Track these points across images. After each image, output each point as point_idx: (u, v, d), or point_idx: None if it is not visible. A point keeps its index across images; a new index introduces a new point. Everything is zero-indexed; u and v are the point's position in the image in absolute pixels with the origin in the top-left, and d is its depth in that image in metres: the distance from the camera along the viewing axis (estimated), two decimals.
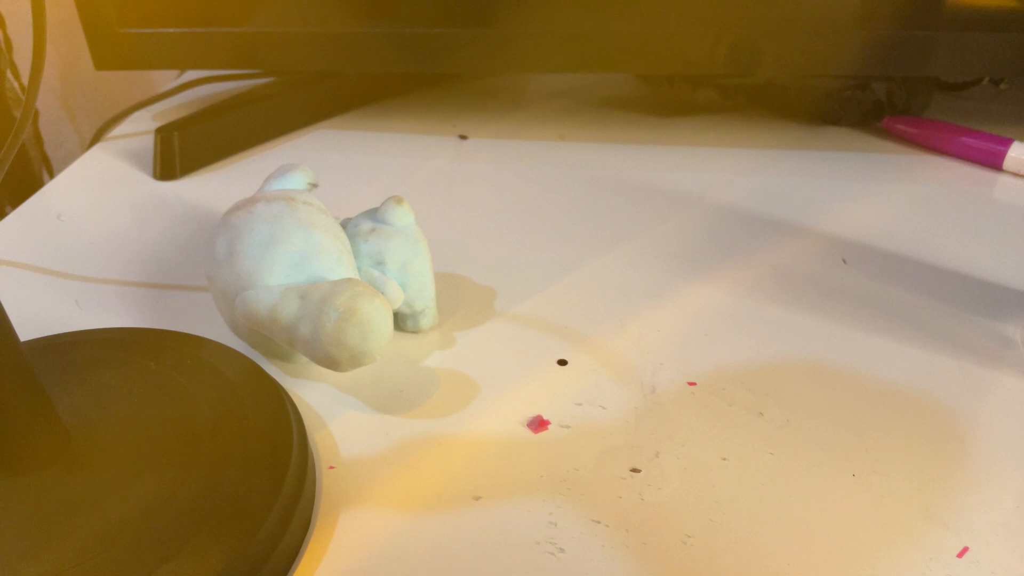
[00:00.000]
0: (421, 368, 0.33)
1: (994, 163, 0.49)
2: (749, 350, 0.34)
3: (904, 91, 0.53)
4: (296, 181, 0.35)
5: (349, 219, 0.35)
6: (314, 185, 0.36)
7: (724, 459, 0.28)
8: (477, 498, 0.27)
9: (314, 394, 0.31)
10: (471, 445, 0.29)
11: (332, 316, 0.28)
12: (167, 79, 0.76)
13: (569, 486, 0.27)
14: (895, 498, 0.27)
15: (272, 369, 0.33)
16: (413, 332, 0.34)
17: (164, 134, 0.49)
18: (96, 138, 0.55)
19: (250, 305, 0.30)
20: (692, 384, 0.32)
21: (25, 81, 0.68)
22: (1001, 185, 0.48)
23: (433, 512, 0.26)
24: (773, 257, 0.40)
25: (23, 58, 0.69)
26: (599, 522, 0.26)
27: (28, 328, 0.35)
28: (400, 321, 0.34)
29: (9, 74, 0.66)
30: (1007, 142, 0.49)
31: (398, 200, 0.34)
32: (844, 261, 0.40)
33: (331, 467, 0.28)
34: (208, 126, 0.51)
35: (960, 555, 0.25)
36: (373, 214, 0.34)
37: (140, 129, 0.56)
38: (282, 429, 0.27)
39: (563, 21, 0.48)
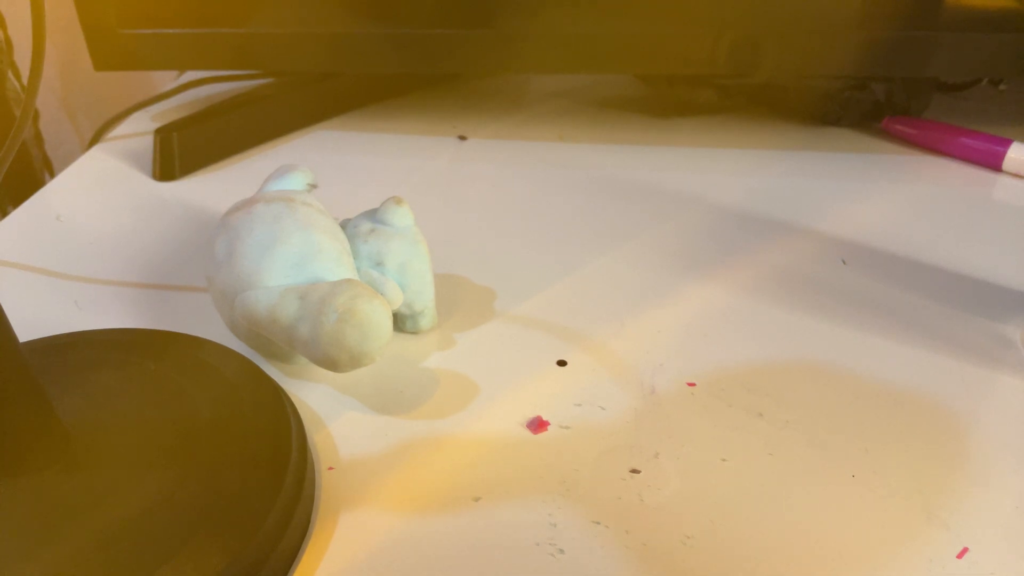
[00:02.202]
0: (421, 369, 0.33)
1: (993, 164, 0.49)
2: (749, 350, 0.34)
3: (903, 92, 0.53)
4: (295, 182, 0.35)
5: (348, 220, 0.35)
6: (313, 186, 0.36)
7: (724, 460, 0.28)
8: (477, 499, 0.27)
9: (314, 395, 0.31)
10: (471, 446, 0.29)
11: (331, 317, 0.28)
12: (167, 79, 0.76)
13: (569, 487, 0.27)
14: (895, 498, 0.27)
15: (271, 370, 0.33)
16: (412, 333, 0.34)
17: (164, 135, 0.49)
18: (96, 138, 0.55)
19: (249, 306, 0.30)
20: (692, 384, 0.32)
21: (25, 81, 0.68)
22: (1000, 186, 0.48)
23: (433, 513, 0.26)
24: (773, 257, 0.40)
25: (23, 58, 0.69)
26: (599, 523, 0.26)
27: (28, 329, 0.35)
28: (399, 322, 0.34)
29: (10, 74, 0.66)
30: (1006, 143, 0.49)
31: (397, 201, 0.34)
32: (844, 261, 0.40)
33: (330, 468, 0.28)
34: (208, 127, 0.51)
35: (960, 555, 0.25)
36: (372, 215, 0.34)
37: (140, 129, 0.56)
38: (281, 430, 0.27)
39: (563, 21, 0.48)
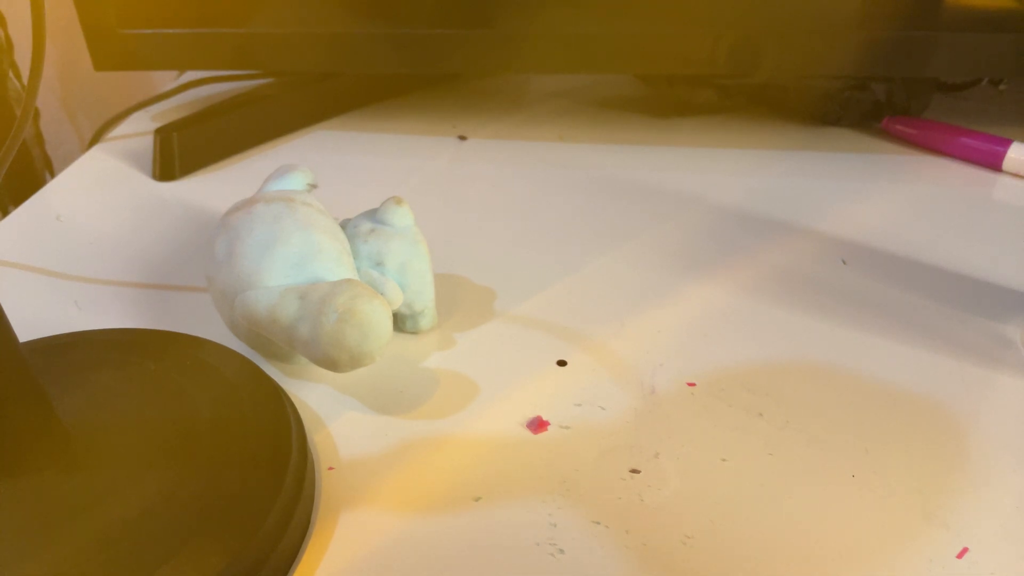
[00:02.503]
0: (420, 369, 0.33)
1: (993, 164, 0.49)
2: (749, 350, 0.34)
3: (903, 92, 0.53)
4: (295, 182, 0.35)
5: (348, 220, 0.35)
6: (313, 186, 0.36)
7: (724, 460, 0.28)
8: (477, 499, 0.27)
9: (314, 395, 0.31)
10: (471, 446, 0.29)
11: (331, 317, 0.28)
12: (167, 79, 0.76)
13: (569, 487, 0.27)
14: (895, 498, 0.27)
15: (271, 370, 0.33)
16: (412, 333, 0.34)
17: (164, 135, 0.49)
18: (96, 138, 0.55)
19: (249, 306, 0.30)
20: (692, 384, 0.32)
21: (26, 81, 0.68)
22: (1000, 186, 0.48)
23: (433, 513, 0.26)
24: (773, 257, 0.40)
25: (23, 58, 0.69)
26: (599, 523, 0.26)
27: (27, 329, 0.35)
28: (399, 322, 0.34)
29: (10, 74, 0.66)
30: (1006, 143, 0.49)
31: (397, 201, 0.34)
32: (844, 261, 0.40)
33: (330, 468, 0.28)
34: (208, 127, 0.51)
35: (960, 555, 0.25)
36: (372, 215, 0.34)
37: (140, 130, 0.56)
38: (281, 430, 0.27)
39: (563, 21, 0.48)
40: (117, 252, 0.41)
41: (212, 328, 0.35)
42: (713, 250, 0.41)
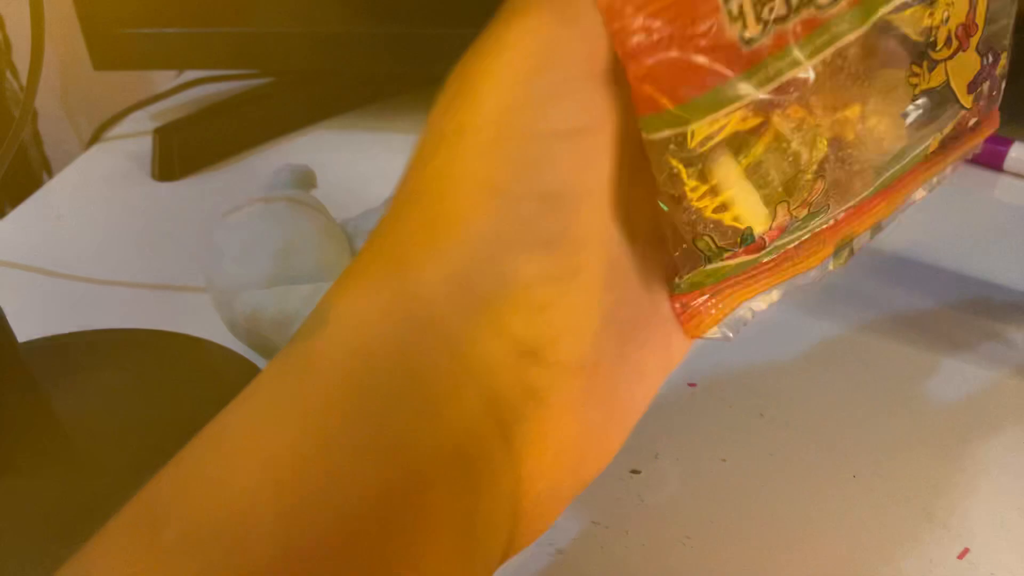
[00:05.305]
0: None
1: (994, 163, 0.49)
2: (749, 350, 0.33)
3: None
4: (295, 182, 0.35)
5: (349, 219, 0.35)
6: (314, 186, 0.36)
7: (723, 460, 0.28)
8: None
9: None
10: None
11: None
12: (166, 79, 0.76)
13: None
14: (895, 499, 0.27)
15: None
16: None
17: (163, 134, 0.49)
18: (95, 138, 0.55)
19: (249, 306, 0.30)
20: (692, 385, 0.32)
21: (24, 81, 0.68)
22: (1001, 185, 0.48)
23: None
24: None
25: (22, 58, 0.69)
26: (598, 523, 0.26)
27: (27, 328, 0.35)
28: None
29: (9, 74, 0.66)
30: (1007, 142, 0.49)
31: None
32: None
33: None
34: (207, 126, 0.51)
35: (960, 556, 0.25)
36: (373, 214, 0.34)
37: (139, 129, 0.56)
38: None
39: None
40: (117, 251, 0.41)
41: (212, 328, 0.35)
42: None
